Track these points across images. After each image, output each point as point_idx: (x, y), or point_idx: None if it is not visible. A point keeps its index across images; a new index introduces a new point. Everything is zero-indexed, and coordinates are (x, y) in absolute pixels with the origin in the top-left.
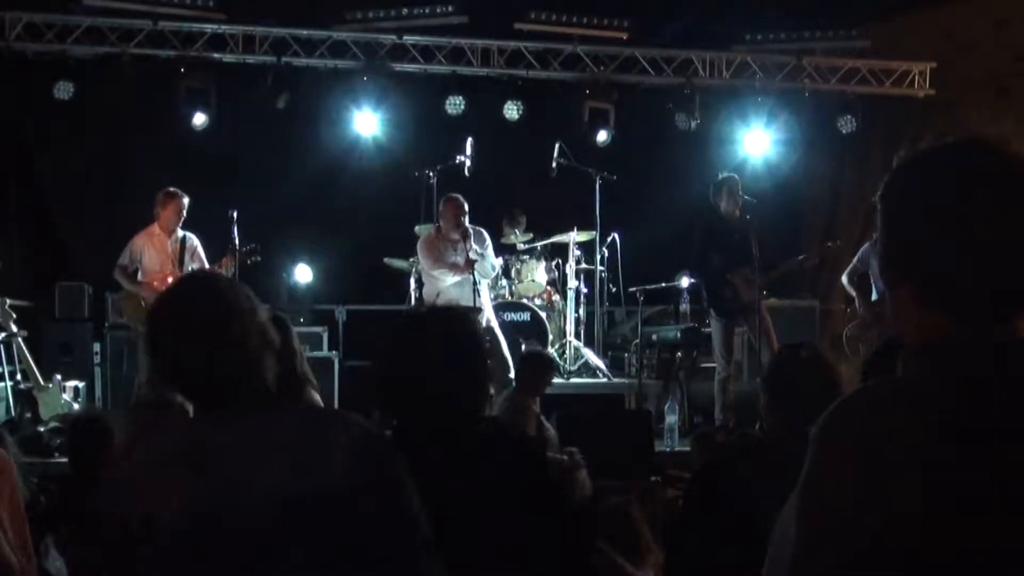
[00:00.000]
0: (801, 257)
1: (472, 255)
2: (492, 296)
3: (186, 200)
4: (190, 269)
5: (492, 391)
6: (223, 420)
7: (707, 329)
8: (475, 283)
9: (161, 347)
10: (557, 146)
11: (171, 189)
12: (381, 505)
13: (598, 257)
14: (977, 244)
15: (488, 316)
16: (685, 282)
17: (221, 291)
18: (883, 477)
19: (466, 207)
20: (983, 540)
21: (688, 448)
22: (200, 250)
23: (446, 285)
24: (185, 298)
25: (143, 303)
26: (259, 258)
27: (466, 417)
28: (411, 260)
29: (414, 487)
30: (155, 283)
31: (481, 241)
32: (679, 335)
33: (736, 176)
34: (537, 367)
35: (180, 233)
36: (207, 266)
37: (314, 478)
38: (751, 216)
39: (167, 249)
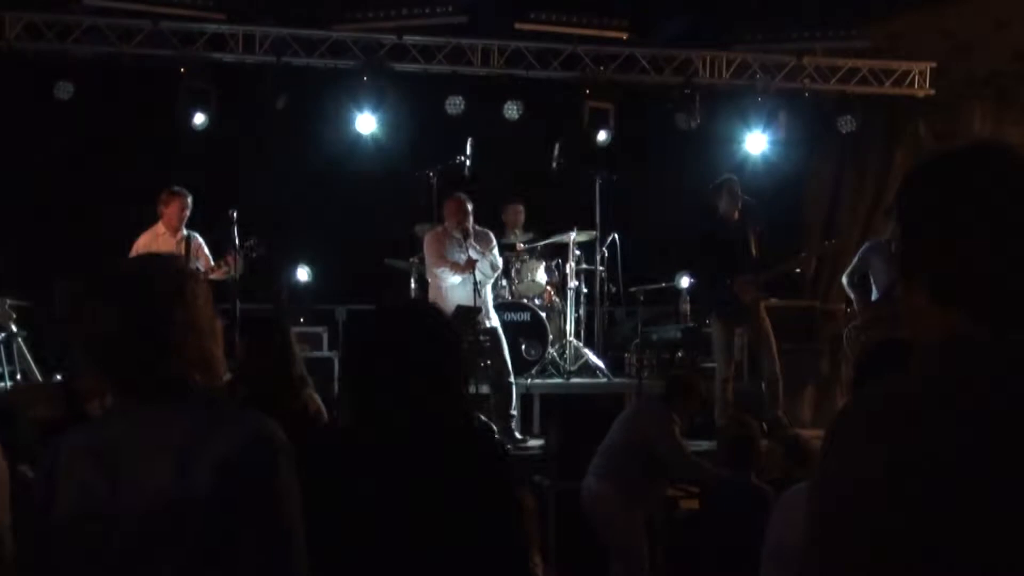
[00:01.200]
0: (801, 255)
1: (473, 254)
2: (492, 296)
3: (189, 199)
4: (195, 268)
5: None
6: (127, 413)
7: (707, 330)
8: (476, 283)
9: (88, 311)
10: (557, 146)
11: (175, 188)
12: (254, 514)
13: (598, 257)
14: (993, 245)
15: (491, 317)
16: (685, 282)
17: (173, 260)
18: (896, 474)
19: (470, 206)
20: (995, 537)
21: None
22: (204, 249)
23: (448, 284)
24: (135, 263)
25: None
26: (263, 251)
27: (430, 420)
28: (411, 260)
29: (298, 499)
30: None
31: (486, 242)
32: (679, 335)
33: (735, 178)
34: (690, 392)
35: (185, 232)
36: (212, 264)
37: (192, 480)
38: (750, 217)
39: (171, 248)
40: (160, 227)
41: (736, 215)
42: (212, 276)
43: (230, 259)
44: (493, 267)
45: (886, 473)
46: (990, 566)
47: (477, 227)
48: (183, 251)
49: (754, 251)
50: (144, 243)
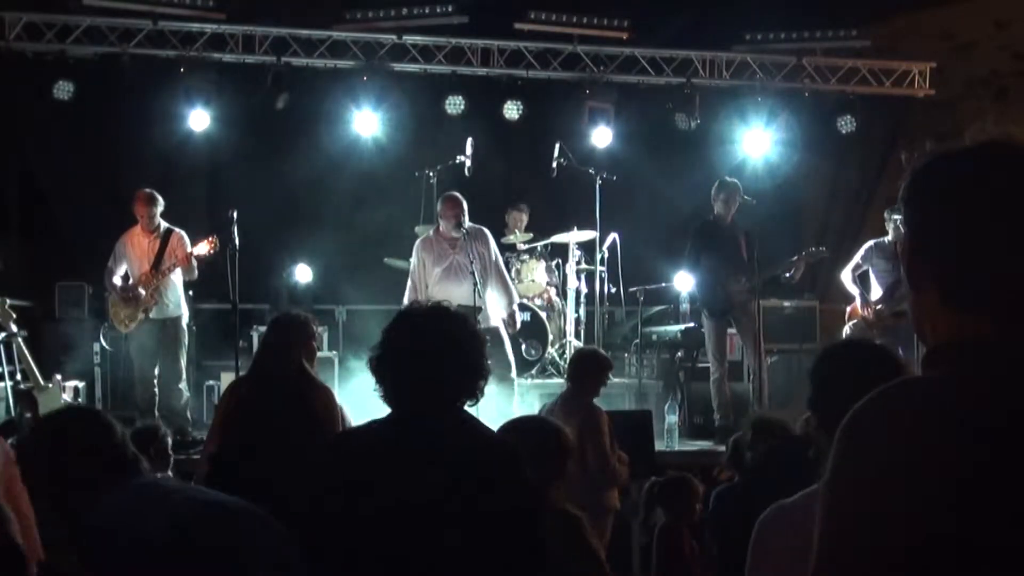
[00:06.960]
0: (789, 261)
1: (462, 258)
2: None
3: (148, 199)
4: (170, 265)
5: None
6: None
7: (703, 329)
8: (475, 283)
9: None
10: (557, 146)
11: (143, 189)
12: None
13: (598, 257)
14: (1003, 244)
15: (490, 316)
16: (684, 283)
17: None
18: (906, 476)
19: (464, 206)
20: (1006, 541)
21: (687, 448)
22: (184, 246)
23: (437, 284)
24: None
25: (115, 305)
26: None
27: (449, 402)
28: (411, 260)
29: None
30: (131, 283)
31: (483, 241)
32: (679, 335)
33: (737, 182)
34: (593, 366)
35: (163, 230)
36: (188, 252)
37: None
38: (744, 219)
39: (145, 247)
40: (138, 227)
41: (729, 219)
42: (196, 253)
43: (210, 242)
44: (509, 303)
45: (902, 473)
46: (996, 565)
47: (471, 224)
48: (156, 250)
49: (744, 253)
50: (121, 244)
